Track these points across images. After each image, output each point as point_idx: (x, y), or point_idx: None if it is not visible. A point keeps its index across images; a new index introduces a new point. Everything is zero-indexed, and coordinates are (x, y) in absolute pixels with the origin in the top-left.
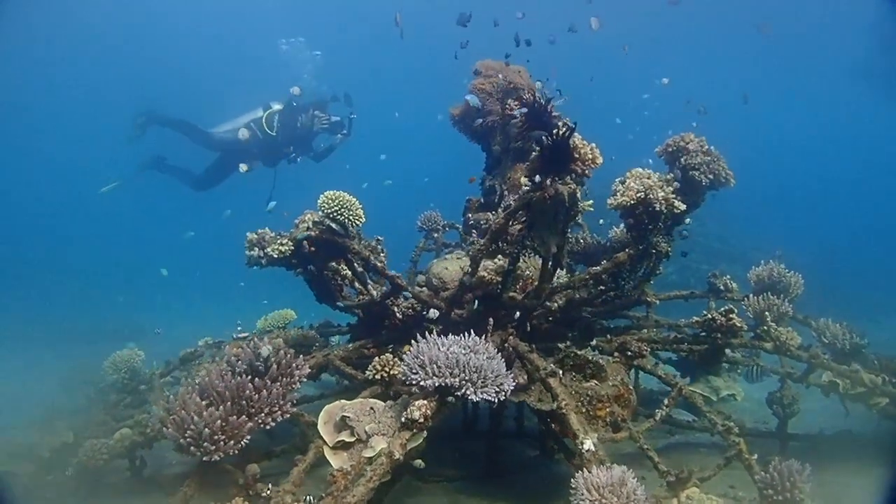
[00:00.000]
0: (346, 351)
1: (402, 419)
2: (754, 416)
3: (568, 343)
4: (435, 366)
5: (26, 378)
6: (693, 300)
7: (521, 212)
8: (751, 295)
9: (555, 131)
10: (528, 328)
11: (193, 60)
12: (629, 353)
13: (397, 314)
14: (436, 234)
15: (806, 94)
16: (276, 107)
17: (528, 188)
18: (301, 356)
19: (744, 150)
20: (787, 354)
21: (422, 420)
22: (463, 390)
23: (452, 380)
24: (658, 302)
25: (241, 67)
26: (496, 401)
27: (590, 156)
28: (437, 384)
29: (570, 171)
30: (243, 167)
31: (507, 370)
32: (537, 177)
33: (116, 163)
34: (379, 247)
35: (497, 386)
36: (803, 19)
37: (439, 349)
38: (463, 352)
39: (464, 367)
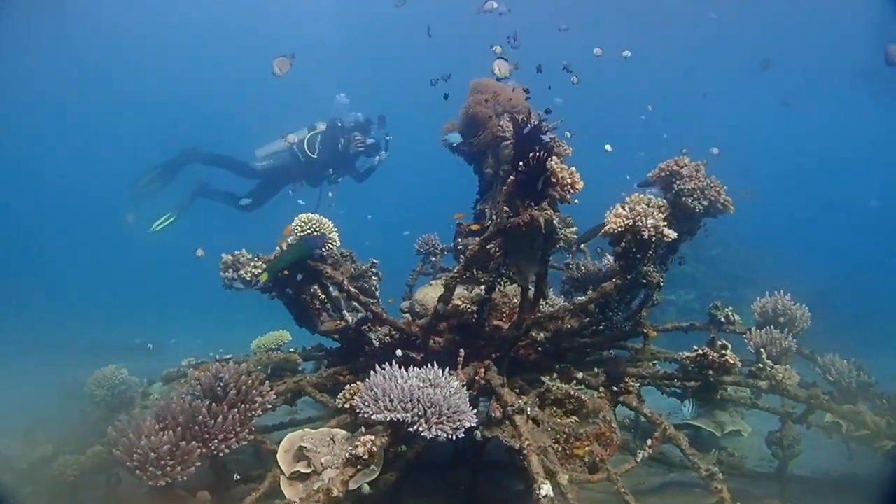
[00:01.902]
0: (319, 377)
1: (347, 454)
2: (760, 452)
3: (554, 375)
4: (388, 399)
5: (23, 387)
6: (693, 332)
7: (496, 239)
8: (753, 328)
9: (531, 154)
10: (515, 358)
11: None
12: (615, 389)
13: (374, 341)
14: (433, 258)
15: (823, 103)
16: (321, 127)
17: (504, 214)
18: (267, 382)
19: (770, 173)
20: (783, 394)
21: (366, 456)
22: (415, 426)
23: (404, 415)
24: (656, 334)
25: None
26: (454, 437)
27: (569, 180)
28: (387, 419)
29: (547, 196)
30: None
31: (472, 405)
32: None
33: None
34: (373, 269)
35: (454, 423)
36: (807, 27)
37: (396, 382)
38: (420, 385)
39: (417, 401)
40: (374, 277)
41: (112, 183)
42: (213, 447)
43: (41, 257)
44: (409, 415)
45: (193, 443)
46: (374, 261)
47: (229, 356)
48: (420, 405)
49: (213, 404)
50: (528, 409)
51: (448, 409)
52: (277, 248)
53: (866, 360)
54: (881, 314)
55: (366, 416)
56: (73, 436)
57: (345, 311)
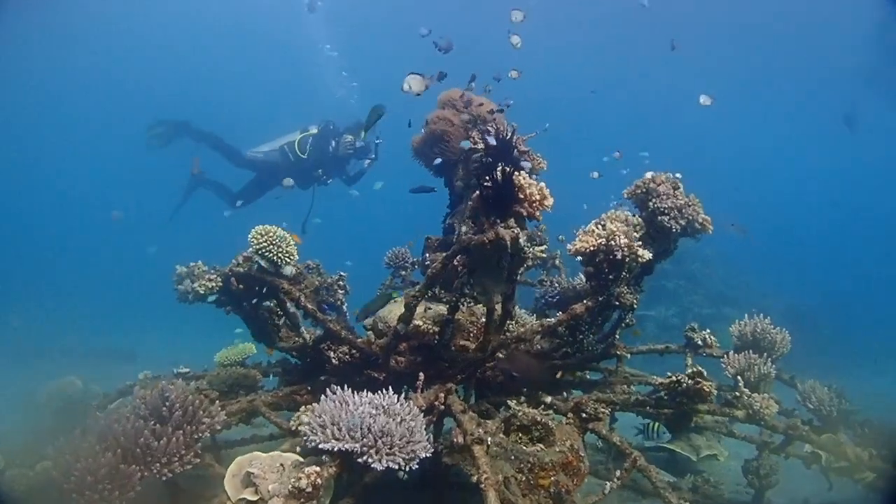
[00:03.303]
0: (275, 396)
1: (290, 487)
2: (737, 477)
3: (522, 399)
4: (335, 428)
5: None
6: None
7: (459, 257)
8: (731, 352)
9: (498, 168)
10: (482, 379)
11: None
12: (584, 415)
13: (333, 360)
14: (403, 273)
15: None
16: (312, 130)
17: (469, 231)
18: (217, 402)
19: (752, 189)
20: (760, 424)
21: (309, 489)
22: (365, 457)
23: (353, 444)
24: (629, 356)
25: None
26: (406, 469)
27: (537, 196)
28: (335, 448)
29: (514, 213)
30: (288, 182)
31: (436, 428)
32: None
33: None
34: (340, 282)
35: (407, 453)
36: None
37: (346, 408)
38: (372, 412)
39: (368, 429)
40: (340, 291)
41: (110, 182)
42: (155, 470)
43: (33, 258)
44: (358, 445)
45: (133, 466)
46: (342, 273)
47: (187, 370)
48: (371, 434)
49: (158, 425)
50: (489, 439)
51: (401, 439)
52: (234, 260)
53: (848, 380)
54: (863, 332)
55: (312, 444)
56: (26, 448)
57: (302, 329)
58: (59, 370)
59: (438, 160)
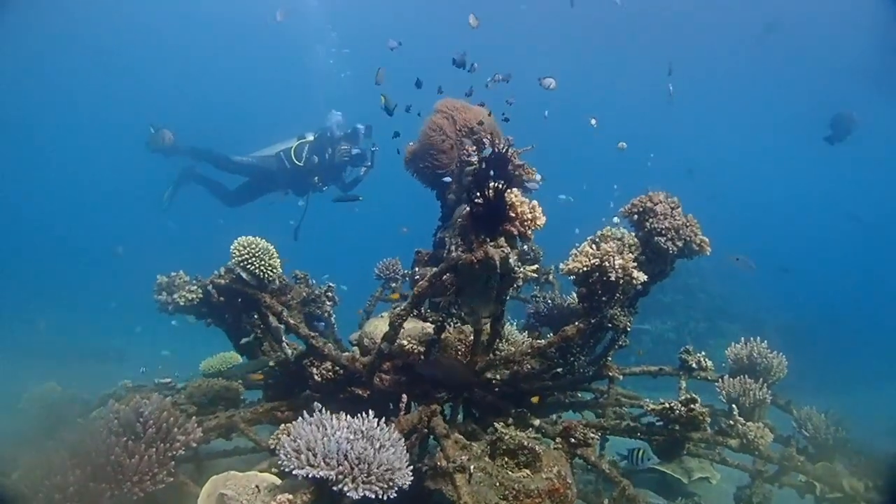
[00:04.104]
0: (254, 412)
1: None
2: (729, 501)
3: (509, 421)
4: (311, 453)
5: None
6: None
7: (446, 276)
8: (726, 376)
9: (491, 185)
10: (469, 398)
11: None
12: (573, 440)
13: (315, 376)
14: (394, 284)
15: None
16: (309, 137)
17: (458, 249)
18: (194, 417)
19: (747, 204)
20: (755, 454)
21: None
22: (340, 485)
23: (328, 472)
24: (622, 377)
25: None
26: (384, 498)
27: (529, 215)
28: (309, 475)
29: (504, 231)
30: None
31: (420, 450)
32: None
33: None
34: (328, 293)
35: (385, 482)
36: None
37: (324, 433)
38: (350, 437)
39: (344, 456)
40: (328, 302)
41: (110, 181)
42: (125, 489)
43: (33, 255)
44: (333, 472)
45: (104, 484)
46: (331, 284)
47: (168, 380)
48: (347, 461)
49: (131, 442)
50: (472, 465)
51: (378, 467)
52: (215, 272)
53: (847, 398)
54: (861, 348)
55: (286, 470)
56: (4, 455)
57: (284, 343)
58: (60, 371)
59: (442, 173)
